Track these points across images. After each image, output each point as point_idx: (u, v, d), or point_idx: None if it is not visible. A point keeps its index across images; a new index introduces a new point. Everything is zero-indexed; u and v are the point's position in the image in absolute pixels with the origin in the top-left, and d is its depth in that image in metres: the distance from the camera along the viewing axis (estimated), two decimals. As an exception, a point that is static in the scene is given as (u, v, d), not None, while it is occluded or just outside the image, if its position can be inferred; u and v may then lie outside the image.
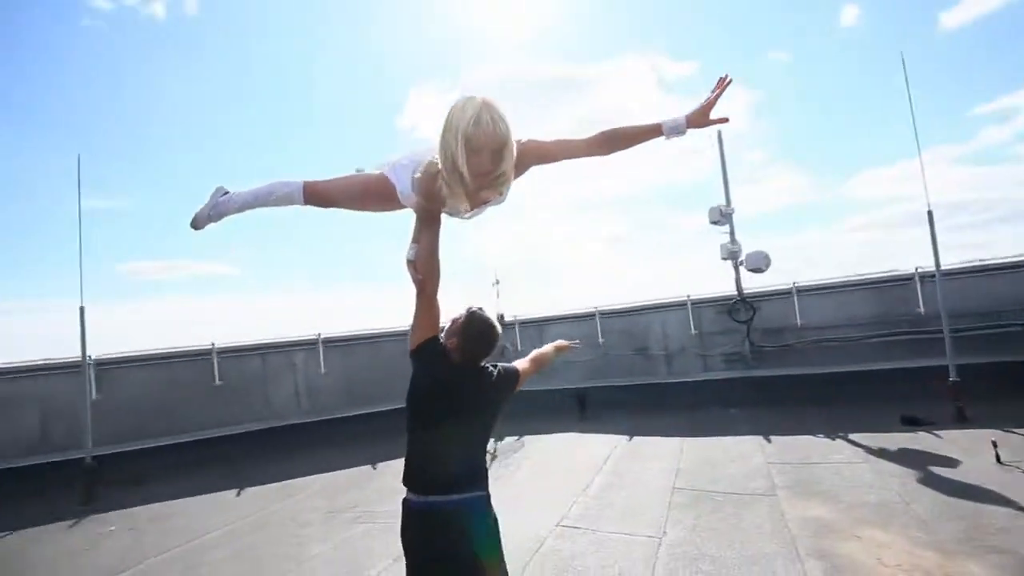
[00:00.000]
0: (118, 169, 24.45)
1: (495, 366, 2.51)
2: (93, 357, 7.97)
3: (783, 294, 8.69)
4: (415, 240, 2.28)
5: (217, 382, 8.72)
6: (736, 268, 8.76)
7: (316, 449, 8.07)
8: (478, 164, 1.74)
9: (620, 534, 4.05)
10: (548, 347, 2.79)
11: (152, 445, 7.93)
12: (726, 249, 8.83)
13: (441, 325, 2.42)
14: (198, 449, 8.05)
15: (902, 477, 4.62)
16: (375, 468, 6.91)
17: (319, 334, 9.53)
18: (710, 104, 1.85)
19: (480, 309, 2.43)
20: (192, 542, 4.86)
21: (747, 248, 8.76)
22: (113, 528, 5.47)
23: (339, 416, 9.18)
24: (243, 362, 9.11)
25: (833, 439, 5.97)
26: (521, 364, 2.60)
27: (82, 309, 7.16)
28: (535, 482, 5.68)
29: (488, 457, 2.39)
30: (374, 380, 9.69)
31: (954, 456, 4.96)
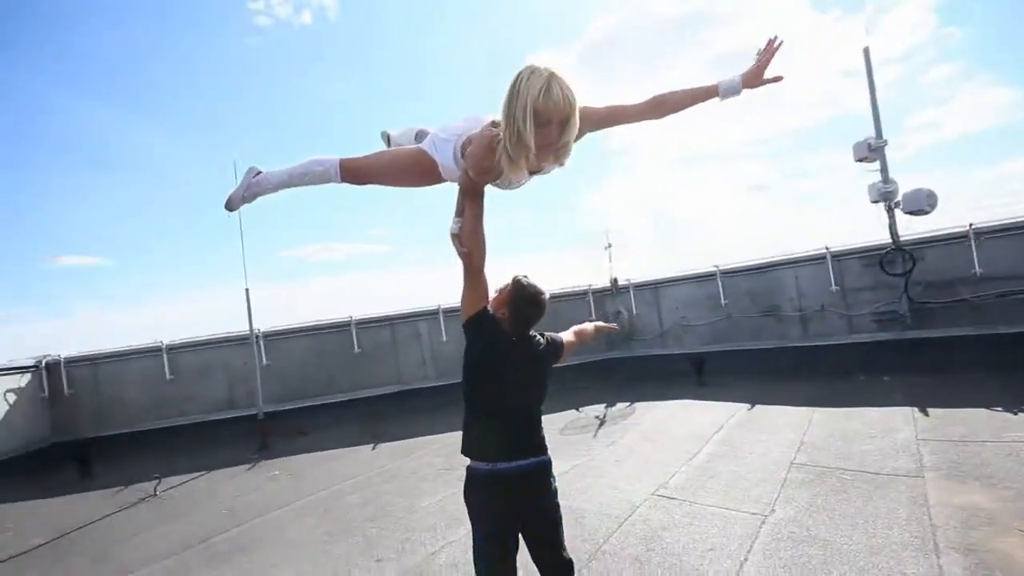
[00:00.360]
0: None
1: (542, 335, 2.48)
2: (261, 330, 9.49)
3: (956, 239, 7.15)
4: (458, 213, 2.30)
5: (356, 350, 9.83)
6: (890, 211, 7.40)
7: (438, 411, 8.75)
8: (546, 135, 1.73)
9: (720, 508, 3.79)
10: (588, 325, 2.74)
11: (307, 404, 9.30)
12: (876, 190, 7.49)
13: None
14: (342, 409, 9.24)
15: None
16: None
17: (439, 305, 10.17)
18: (762, 66, 1.84)
19: (525, 277, 2.40)
20: (333, 487, 5.63)
21: (916, 185, 7.24)
22: (277, 472, 6.55)
23: (458, 381, 9.80)
24: (375, 332, 10.11)
25: (1015, 413, 4.88)
26: (566, 336, 2.56)
27: (247, 290, 8.53)
28: (639, 449, 5.52)
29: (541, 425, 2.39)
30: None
31: None
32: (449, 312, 10.20)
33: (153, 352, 9.33)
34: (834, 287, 8.06)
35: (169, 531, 4.84)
